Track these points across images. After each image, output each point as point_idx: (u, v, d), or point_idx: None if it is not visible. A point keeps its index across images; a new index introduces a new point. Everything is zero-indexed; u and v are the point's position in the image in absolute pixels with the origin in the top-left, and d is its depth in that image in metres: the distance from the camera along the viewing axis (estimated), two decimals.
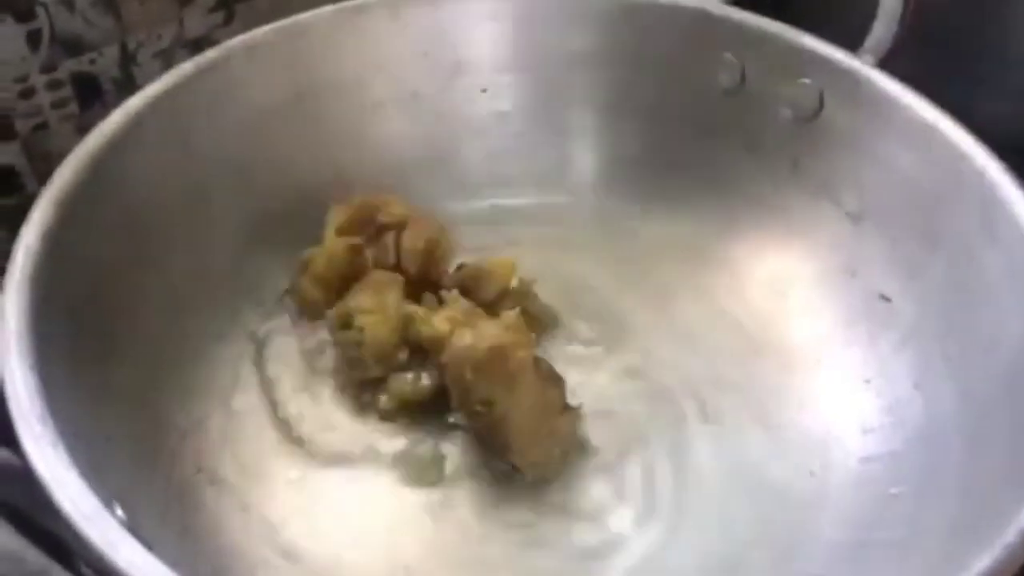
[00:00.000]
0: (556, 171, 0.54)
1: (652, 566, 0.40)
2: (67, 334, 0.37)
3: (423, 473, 0.43)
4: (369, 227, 0.49)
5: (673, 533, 0.41)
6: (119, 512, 0.31)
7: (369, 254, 0.49)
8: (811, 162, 0.48)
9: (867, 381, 0.45)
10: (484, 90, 0.53)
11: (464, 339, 0.42)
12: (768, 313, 0.49)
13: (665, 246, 0.51)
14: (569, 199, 0.54)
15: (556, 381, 0.44)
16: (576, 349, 0.48)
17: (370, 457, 0.44)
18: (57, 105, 0.52)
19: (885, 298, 0.45)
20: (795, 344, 0.47)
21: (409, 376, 0.45)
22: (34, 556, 0.25)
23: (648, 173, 0.52)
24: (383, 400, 0.45)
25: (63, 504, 0.29)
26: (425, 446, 0.44)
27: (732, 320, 0.49)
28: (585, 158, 0.54)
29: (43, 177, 0.50)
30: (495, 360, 0.41)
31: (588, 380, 0.46)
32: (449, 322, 0.43)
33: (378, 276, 0.47)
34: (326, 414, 0.45)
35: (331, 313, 0.46)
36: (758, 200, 0.50)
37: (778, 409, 0.45)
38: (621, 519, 0.42)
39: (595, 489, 0.43)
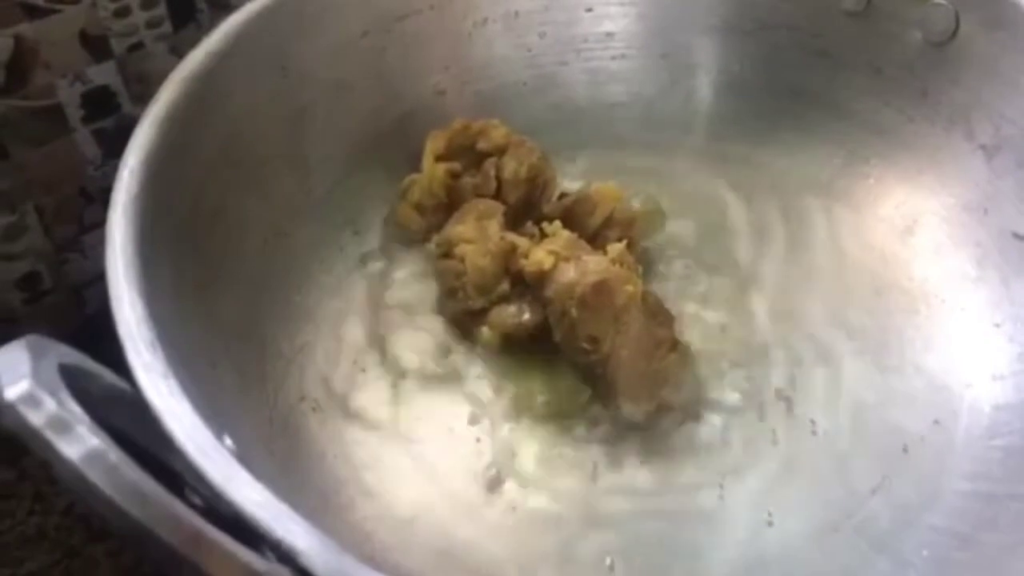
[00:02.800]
0: (665, 96, 0.52)
1: (763, 515, 0.39)
2: (171, 260, 0.37)
3: (568, 401, 0.42)
4: (468, 153, 0.48)
5: (787, 480, 0.40)
6: (228, 442, 0.31)
7: (468, 181, 0.47)
8: (943, 90, 0.45)
9: (997, 325, 0.43)
10: (589, 9, 0.51)
11: (568, 274, 0.40)
12: (892, 251, 0.46)
13: (781, 178, 0.49)
14: (678, 126, 0.52)
15: (665, 317, 0.42)
16: (686, 285, 0.46)
17: (470, 390, 0.43)
18: (151, 24, 0.51)
19: (1019, 237, 0.43)
20: (920, 284, 0.45)
21: (511, 308, 0.44)
22: (153, 488, 0.24)
23: (764, 100, 0.50)
24: (484, 332, 0.44)
25: (178, 436, 0.28)
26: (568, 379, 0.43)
27: (853, 258, 0.47)
28: (696, 83, 0.52)
29: (137, 98, 0.50)
30: (601, 295, 0.40)
31: (698, 317, 0.45)
32: (552, 256, 0.42)
33: (479, 204, 0.46)
34: (426, 345, 0.45)
35: (433, 241, 0.45)
36: (883, 130, 0.47)
37: (900, 352, 0.43)
38: (731, 463, 0.40)
39: (704, 431, 0.41)
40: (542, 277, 0.42)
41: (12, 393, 0.25)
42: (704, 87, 0.52)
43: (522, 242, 0.44)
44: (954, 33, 0.44)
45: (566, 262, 0.41)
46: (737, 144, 0.50)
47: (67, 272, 0.51)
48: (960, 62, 0.44)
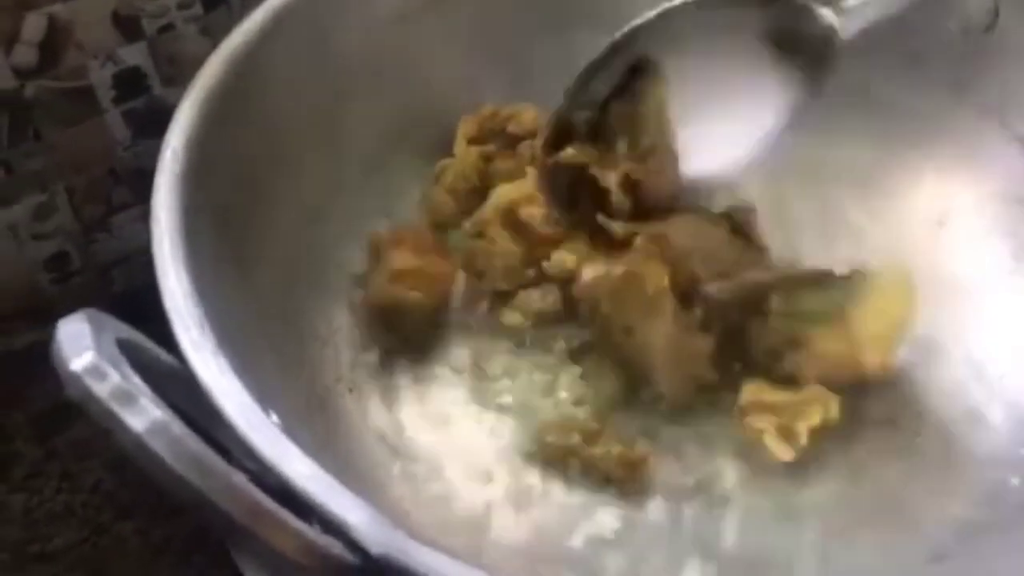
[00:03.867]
0: None
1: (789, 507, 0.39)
2: (212, 240, 0.37)
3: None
4: (499, 137, 0.48)
5: (817, 476, 0.40)
6: (275, 419, 0.31)
7: (501, 165, 0.47)
8: (979, 80, 0.45)
9: None
10: None
11: (594, 270, 0.40)
12: (925, 241, 0.46)
13: (813, 167, 0.49)
14: None
15: (693, 301, 0.42)
16: None
17: (499, 373, 0.43)
18: (183, 6, 0.51)
19: None
20: (953, 275, 0.45)
21: (536, 293, 0.44)
22: (215, 460, 0.24)
23: None
24: (508, 315, 0.44)
25: (229, 411, 0.29)
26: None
27: (886, 248, 0.46)
28: None
29: (167, 80, 0.50)
30: (631, 286, 0.40)
31: None
32: (574, 255, 0.42)
33: None
34: (457, 329, 0.45)
35: (468, 222, 0.45)
36: (917, 120, 0.47)
37: (935, 343, 0.43)
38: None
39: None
40: (567, 278, 0.42)
41: (78, 364, 0.25)
42: None
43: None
44: (993, 23, 0.44)
45: (590, 259, 0.41)
46: None
47: (95, 252, 0.52)
48: (998, 52, 0.44)
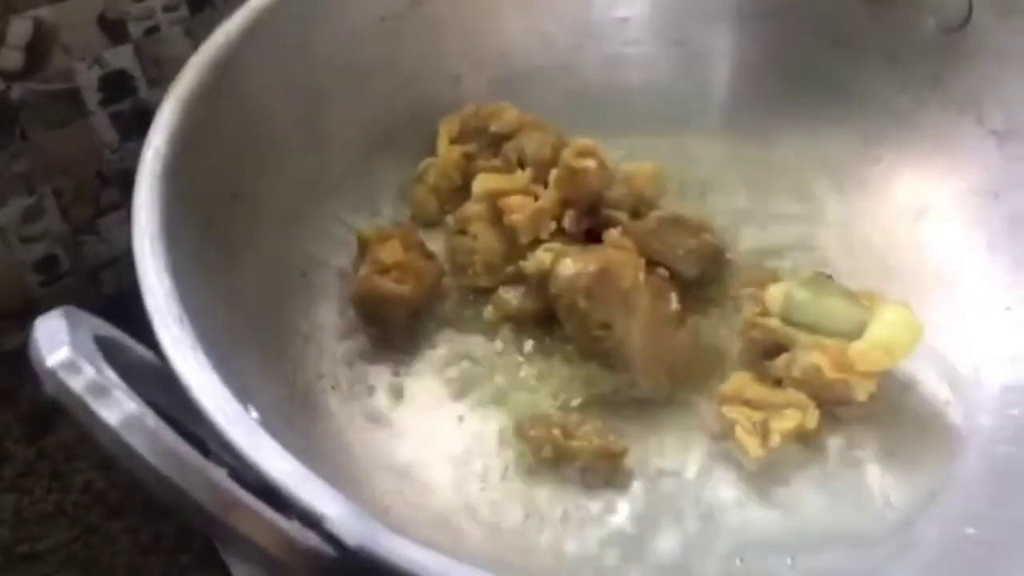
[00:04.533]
0: (679, 82, 0.52)
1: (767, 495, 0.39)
2: (193, 238, 0.37)
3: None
4: (481, 136, 0.48)
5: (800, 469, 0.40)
6: (254, 415, 0.31)
7: (483, 164, 0.48)
8: (956, 76, 0.46)
9: (1008, 309, 0.43)
10: None
11: (570, 267, 0.41)
12: (903, 234, 0.47)
13: (795, 162, 0.49)
14: (693, 111, 0.52)
15: (669, 294, 0.43)
16: None
17: (480, 368, 0.44)
18: (168, 8, 0.51)
19: None
20: (931, 267, 0.46)
21: (514, 291, 0.45)
22: (190, 453, 0.24)
23: (778, 86, 0.50)
24: (488, 311, 0.45)
25: (207, 406, 0.29)
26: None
27: (863, 241, 0.47)
28: (710, 68, 0.52)
29: (153, 82, 0.50)
30: (606, 281, 0.40)
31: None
32: (550, 253, 0.42)
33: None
34: (439, 324, 0.45)
35: (451, 218, 0.45)
36: (896, 115, 0.48)
37: None
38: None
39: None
40: (545, 275, 0.42)
41: (53, 360, 0.26)
42: (718, 73, 0.52)
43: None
44: (967, 19, 0.45)
45: (565, 256, 0.42)
46: (751, 129, 0.51)
47: (84, 254, 0.52)
48: (973, 48, 0.45)
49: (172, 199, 0.36)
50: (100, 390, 0.25)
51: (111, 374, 0.26)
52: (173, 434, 0.25)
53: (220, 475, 0.25)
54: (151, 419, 0.25)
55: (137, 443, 0.24)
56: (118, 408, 0.25)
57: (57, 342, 0.26)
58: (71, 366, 0.25)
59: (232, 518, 0.25)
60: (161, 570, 0.43)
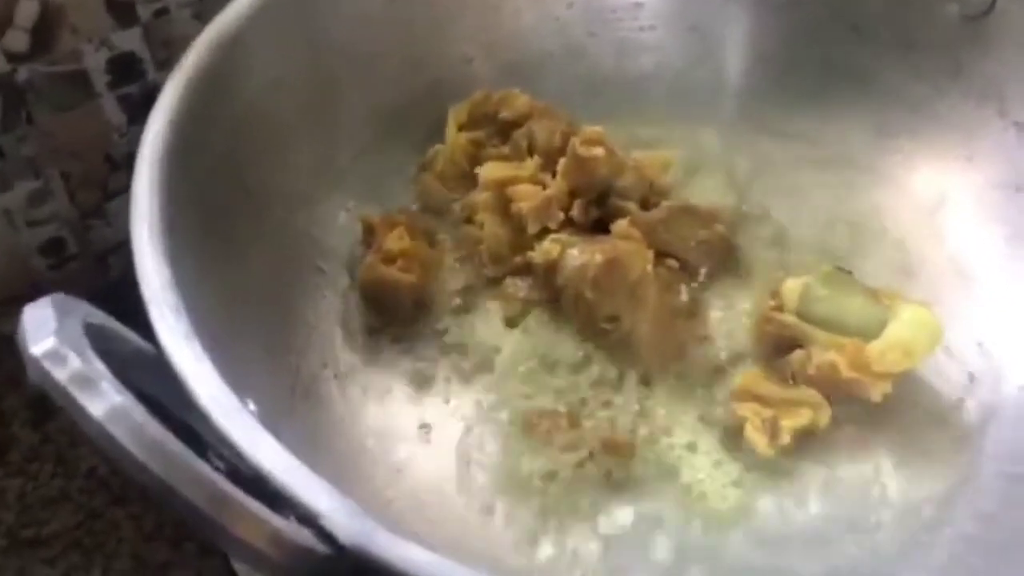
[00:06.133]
0: (693, 68, 0.51)
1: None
2: (195, 224, 0.37)
3: None
4: (491, 123, 0.48)
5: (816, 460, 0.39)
6: (252, 406, 0.31)
7: (492, 151, 0.47)
8: (977, 65, 0.45)
9: None
10: None
11: (577, 258, 0.40)
12: (921, 226, 0.46)
13: (810, 151, 0.48)
14: (707, 98, 0.51)
15: (679, 285, 0.43)
16: None
17: (486, 358, 0.43)
18: None
19: None
20: (948, 260, 0.45)
21: (524, 281, 0.44)
22: (177, 447, 0.24)
23: (794, 73, 0.49)
24: (495, 301, 0.44)
25: (201, 398, 0.28)
26: None
27: (881, 234, 0.46)
28: (725, 54, 0.51)
29: (162, 64, 0.50)
30: (613, 273, 0.40)
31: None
32: (557, 244, 0.42)
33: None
34: (445, 311, 0.44)
35: (457, 206, 0.45)
36: (915, 105, 0.47)
37: None
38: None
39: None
40: (552, 266, 0.42)
41: (38, 349, 0.25)
42: (733, 59, 0.51)
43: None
44: (991, 6, 0.44)
45: (572, 247, 0.41)
46: (765, 117, 0.50)
47: (91, 238, 0.52)
48: (996, 37, 0.44)
49: (173, 184, 0.36)
50: (85, 381, 0.25)
51: (99, 365, 0.25)
52: (160, 427, 0.24)
53: (207, 469, 0.24)
54: (137, 412, 0.24)
55: (121, 435, 0.24)
56: (103, 399, 0.24)
57: (44, 330, 0.26)
58: (55, 356, 0.25)
59: (219, 514, 0.24)
60: (164, 557, 0.43)
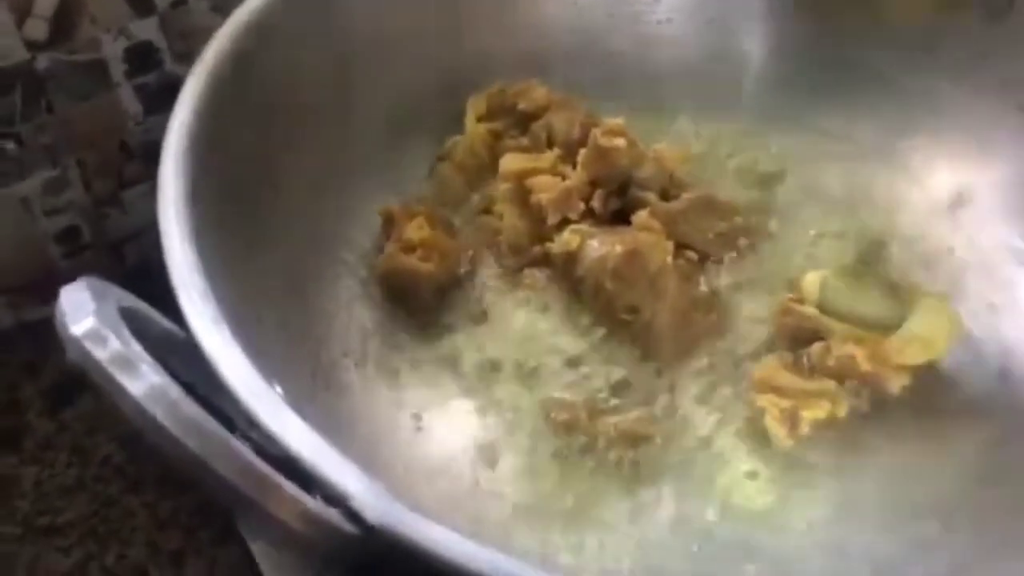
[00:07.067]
0: (711, 62, 0.51)
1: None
2: (219, 213, 0.37)
3: None
4: (509, 114, 0.48)
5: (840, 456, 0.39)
6: (278, 390, 0.31)
7: (511, 142, 0.47)
8: (997, 61, 0.45)
9: None
10: None
11: (597, 249, 0.40)
12: (940, 222, 0.46)
13: (828, 147, 0.48)
14: (725, 92, 0.51)
15: (699, 277, 0.43)
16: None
17: (505, 350, 0.43)
18: None
19: None
20: (968, 257, 0.45)
21: (543, 273, 0.44)
22: (212, 425, 0.24)
23: (812, 68, 0.49)
24: (515, 291, 0.44)
25: (231, 380, 0.29)
26: None
27: (901, 228, 0.46)
28: (743, 48, 0.51)
29: (179, 55, 0.50)
30: (634, 264, 0.40)
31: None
32: (577, 235, 0.42)
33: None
34: (465, 301, 0.45)
35: (476, 195, 0.45)
36: (934, 101, 0.47)
37: None
38: None
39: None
40: (571, 257, 0.42)
41: (78, 329, 0.25)
42: (752, 54, 0.51)
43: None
44: (1011, 3, 0.44)
45: (592, 238, 0.41)
46: (783, 112, 0.49)
47: (106, 227, 0.52)
48: (1017, 34, 0.44)
49: (198, 172, 0.36)
50: (124, 361, 0.25)
51: (136, 346, 0.25)
52: (196, 406, 0.24)
53: (243, 448, 0.24)
54: (174, 391, 0.25)
55: (160, 414, 0.24)
56: (142, 379, 0.25)
57: (83, 312, 0.26)
58: (96, 336, 0.25)
59: (254, 491, 0.25)
60: (179, 545, 0.43)
